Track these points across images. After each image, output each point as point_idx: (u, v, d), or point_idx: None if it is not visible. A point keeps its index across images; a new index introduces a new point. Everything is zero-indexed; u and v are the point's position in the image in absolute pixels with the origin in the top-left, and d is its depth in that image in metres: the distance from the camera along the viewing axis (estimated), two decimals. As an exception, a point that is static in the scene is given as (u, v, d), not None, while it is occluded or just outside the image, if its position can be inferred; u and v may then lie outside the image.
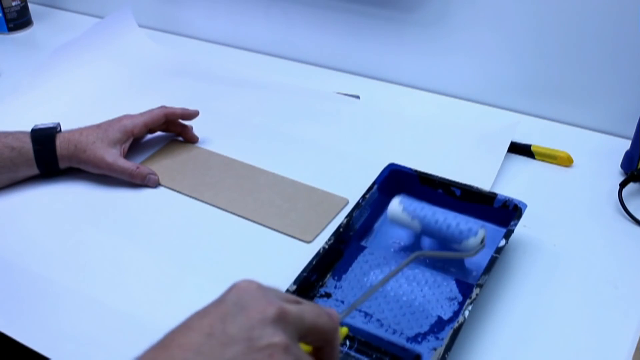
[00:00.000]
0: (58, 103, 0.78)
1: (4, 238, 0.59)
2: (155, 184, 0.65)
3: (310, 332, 0.33)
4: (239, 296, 0.32)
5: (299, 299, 0.35)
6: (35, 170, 0.64)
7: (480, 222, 0.54)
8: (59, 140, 0.64)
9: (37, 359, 0.49)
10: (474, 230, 0.52)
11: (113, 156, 0.64)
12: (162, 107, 0.70)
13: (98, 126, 0.66)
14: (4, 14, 0.97)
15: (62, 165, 0.65)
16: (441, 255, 0.51)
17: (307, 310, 0.33)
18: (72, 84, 0.82)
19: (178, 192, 0.65)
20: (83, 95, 0.81)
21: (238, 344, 0.30)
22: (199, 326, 0.32)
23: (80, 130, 0.65)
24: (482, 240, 0.52)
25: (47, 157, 0.63)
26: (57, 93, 0.80)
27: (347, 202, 0.62)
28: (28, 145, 0.63)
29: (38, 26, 1.02)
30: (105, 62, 0.86)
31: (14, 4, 0.98)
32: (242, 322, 0.31)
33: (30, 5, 1.02)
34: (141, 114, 0.68)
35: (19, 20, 0.99)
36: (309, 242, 0.58)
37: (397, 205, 0.55)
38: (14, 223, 0.61)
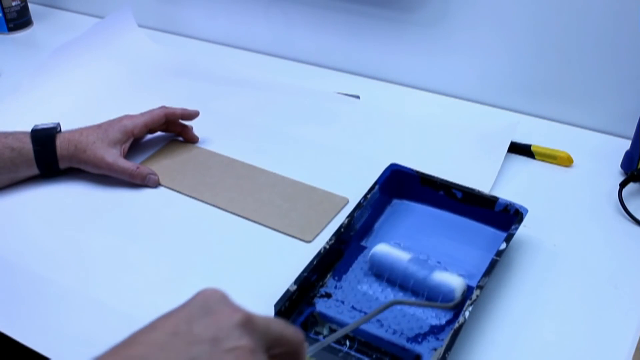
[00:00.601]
0: (58, 103, 0.78)
1: (4, 238, 0.59)
2: (155, 184, 0.65)
3: (277, 342, 0.33)
4: (205, 301, 0.32)
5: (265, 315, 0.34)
6: (35, 171, 0.64)
7: (459, 279, 0.50)
8: (59, 141, 0.64)
9: (37, 359, 0.49)
10: (451, 294, 0.49)
11: (113, 156, 0.64)
12: (162, 107, 0.70)
13: (98, 126, 0.66)
14: (4, 14, 0.97)
15: (62, 165, 0.65)
16: (419, 305, 0.50)
17: (273, 320, 0.33)
18: (72, 84, 0.82)
19: (178, 192, 0.65)
20: (83, 95, 0.80)
21: (203, 343, 0.30)
22: (164, 326, 0.31)
23: (81, 131, 0.65)
24: (463, 293, 0.50)
25: (47, 158, 0.63)
26: (57, 93, 0.80)
27: (347, 202, 0.62)
28: (28, 145, 0.63)
29: (38, 26, 1.02)
30: (105, 62, 0.86)
31: (14, 4, 0.98)
32: (209, 323, 0.31)
33: (30, 5, 1.02)
34: (141, 114, 0.68)
35: (19, 20, 0.99)
36: (309, 241, 0.58)
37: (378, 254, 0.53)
38: (14, 223, 0.61)
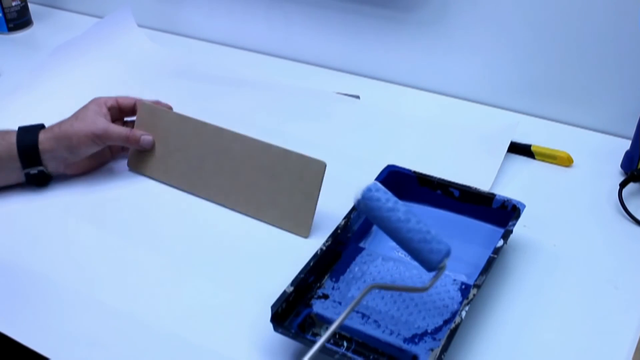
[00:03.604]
0: (57, 103, 0.78)
1: (4, 238, 0.59)
2: (150, 145, 0.65)
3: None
4: None
5: None
6: (17, 164, 0.61)
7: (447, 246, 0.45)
8: (42, 131, 0.62)
9: (37, 359, 0.49)
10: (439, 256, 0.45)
11: (103, 123, 0.63)
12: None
13: (74, 113, 0.64)
14: (4, 14, 0.98)
15: (46, 156, 0.62)
16: (396, 289, 0.50)
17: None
18: (72, 84, 0.82)
19: (171, 186, 0.65)
20: (82, 95, 0.80)
21: None
22: None
23: (59, 123, 0.64)
24: (443, 267, 0.46)
25: (30, 141, 0.61)
26: (57, 93, 0.80)
27: (325, 166, 0.58)
28: (12, 138, 0.61)
29: (38, 26, 1.02)
30: (104, 62, 0.86)
31: (14, 4, 0.98)
32: None
33: (30, 5, 1.02)
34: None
35: (19, 20, 1.00)
36: (306, 237, 0.58)
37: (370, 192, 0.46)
38: (14, 223, 0.61)
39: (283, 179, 0.60)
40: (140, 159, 0.67)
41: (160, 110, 0.67)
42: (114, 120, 0.66)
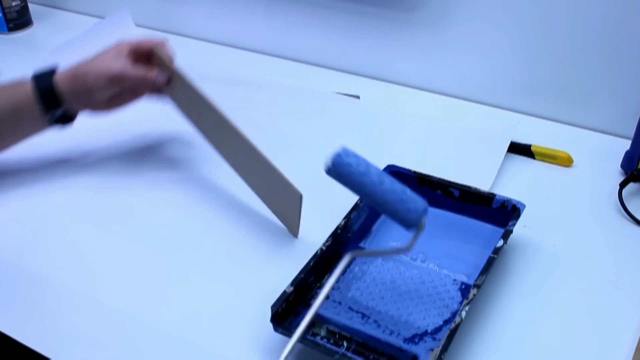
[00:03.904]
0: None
1: (4, 238, 0.59)
2: (165, 84, 0.63)
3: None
4: None
5: None
6: (37, 109, 0.61)
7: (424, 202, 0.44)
8: (58, 74, 0.61)
9: (37, 359, 0.49)
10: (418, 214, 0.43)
11: (120, 65, 0.61)
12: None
13: (92, 55, 0.63)
14: (4, 14, 0.98)
15: (66, 98, 0.61)
16: (376, 254, 0.48)
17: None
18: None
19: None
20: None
21: None
22: None
23: (77, 63, 0.62)
24: (422, 225, 0.44)
25: (46, 83, 0.60)
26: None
27: (301, 197, 0.55)
28: (28, 84, 0.60)
29: (38, 26, 1.02)
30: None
31: (14, 4, 0.98)
32: None
33: (30, 5, 1.02)
34: None
35: (19, 20, 1.00)
36: (296, 237, 0.58)
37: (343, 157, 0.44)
38: (14, 222, 0.61)
39: (271, 185, 0.59)
40: (172, 90, 0.65)
41: (173, 70, 0.64)
42: (138, 61, 0.64)
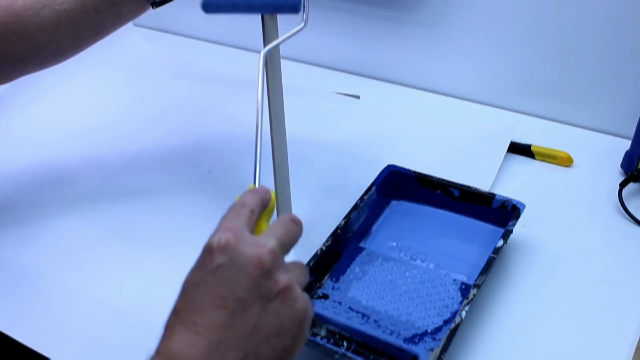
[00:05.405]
0: (57, 102, 0.78)
1: (4, 237, 0.59)
2: None
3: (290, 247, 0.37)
4: (229, 256, 0.34)
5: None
6: None
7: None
8: None
9: (37, 359, 0.49)
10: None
11: None
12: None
13: None
14: (5, 14, 0.98)
15: None
16: (281, 42, 0.48)
17: (280, 234, 0.36)
18: (70, 83, 0.82)
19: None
20: (81, 94, 0.81)
21: (254, 304, 0.33)
22: (211, 302, 0.34)
23: None
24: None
25: None
26: (56, 92, 0.80)
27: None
28: None
29: (39, 27, 1.02)
30: (103, 62, 0.86)
31: (14, 4, 0.98)
32: (246, 283, 0.33)
33: (31, 6, 1.02)
34: None
35: (20, 21, 0.99)
36: None
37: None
38: (14, 222, 0.61)
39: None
40: None
41: None
42: None
